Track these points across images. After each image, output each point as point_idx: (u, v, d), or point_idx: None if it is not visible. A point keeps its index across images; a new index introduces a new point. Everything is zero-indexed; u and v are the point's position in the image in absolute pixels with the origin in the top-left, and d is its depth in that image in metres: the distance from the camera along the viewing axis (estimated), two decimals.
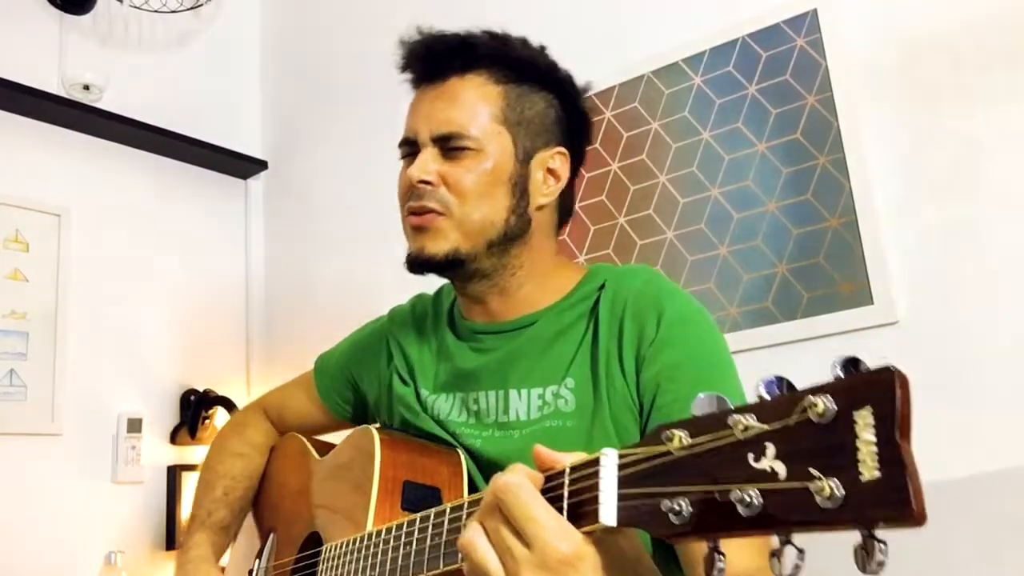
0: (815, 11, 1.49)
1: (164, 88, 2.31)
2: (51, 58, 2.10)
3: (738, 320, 1.51)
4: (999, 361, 1.27)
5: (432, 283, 1.28)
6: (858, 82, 1.44)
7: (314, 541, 1.12)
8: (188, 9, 2.28)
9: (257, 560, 1.23)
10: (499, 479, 0.63)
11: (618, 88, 1.74)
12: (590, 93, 1.12)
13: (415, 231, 1.01)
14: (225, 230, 2.42)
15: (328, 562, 1.02)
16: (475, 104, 1.00)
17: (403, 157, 1.05)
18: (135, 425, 2.05)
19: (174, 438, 2.14)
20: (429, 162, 0.99)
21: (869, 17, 1.46)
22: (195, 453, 2.15)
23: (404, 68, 1.07)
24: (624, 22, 1.78)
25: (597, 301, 1.01)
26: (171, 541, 2.05)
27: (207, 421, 2.13)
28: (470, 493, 1.01)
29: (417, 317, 1.19)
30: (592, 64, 1.80)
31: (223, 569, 1.30)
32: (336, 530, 1.05)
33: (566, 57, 1.94)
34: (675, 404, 0.93)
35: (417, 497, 0.97)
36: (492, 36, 1.04)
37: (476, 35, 1.04)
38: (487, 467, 1.03)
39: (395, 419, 1.13)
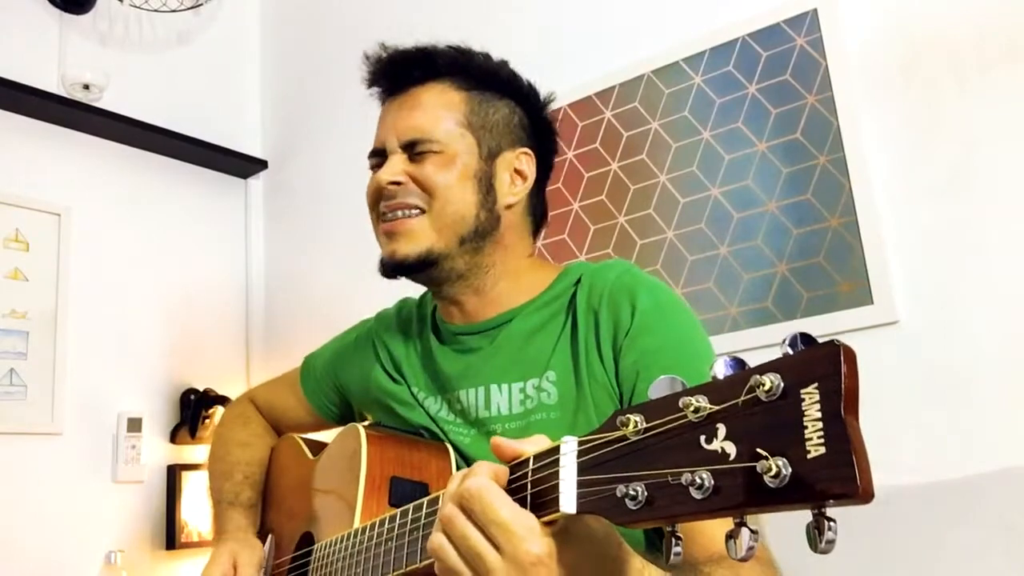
0: (815, 11, 1.49)
1: (164, 88, 2.31)
2: (51, 57, 2.10)
3: (738, 320, 1.51)
4: (999, 361, 1.27)
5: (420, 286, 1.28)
6: (858, 82, 1.44)
7: (307, 540, 1.13)
8: (188, 9, 2.28)
9: None
10: (463, 485, 0.63)
11: (618, 88, 1.74)
12: (553, 102, 1.15)
13: (388, 237, 1.03)
14: (225, 230, 2.42)
15: (318, 561, 1.03)
16: (438, 109, 1.04)
17: (372, 168, 1.08)
18: (135, 424, 2.05)
19: (174, 437, 2.14)
20: (398, 165, 1.02)
21: (869, 17, 1.46)
22: (195, 452, 2.15)
23: (371, 84, 1.11)
24: (624, 22, 1.78)
25: (574, 296, 1.03)
26: (171, 540, 2.05)
27: (207, 420, 2.13)
28: None
29: (403, 320, 1.20)
30: (592, 64, 1.81)
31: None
32: (327, 529, 1.06)
33: (566, 57, 1.95)
34: None
35: (405, 492, 0.97)
36: (453, 48, 1.08)
37: (437, 48, 1.08)
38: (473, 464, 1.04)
39: (387, 415, 1.14)
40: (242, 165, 2.43)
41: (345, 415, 1.30)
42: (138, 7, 2.21)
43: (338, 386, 1.28)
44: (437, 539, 0.65)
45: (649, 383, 0.92)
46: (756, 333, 1.48)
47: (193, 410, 2.13)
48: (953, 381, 1.30)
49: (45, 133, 2.06)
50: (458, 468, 1.03)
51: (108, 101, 2.13)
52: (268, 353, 2.36)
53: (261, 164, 2.48)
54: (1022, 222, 1.28)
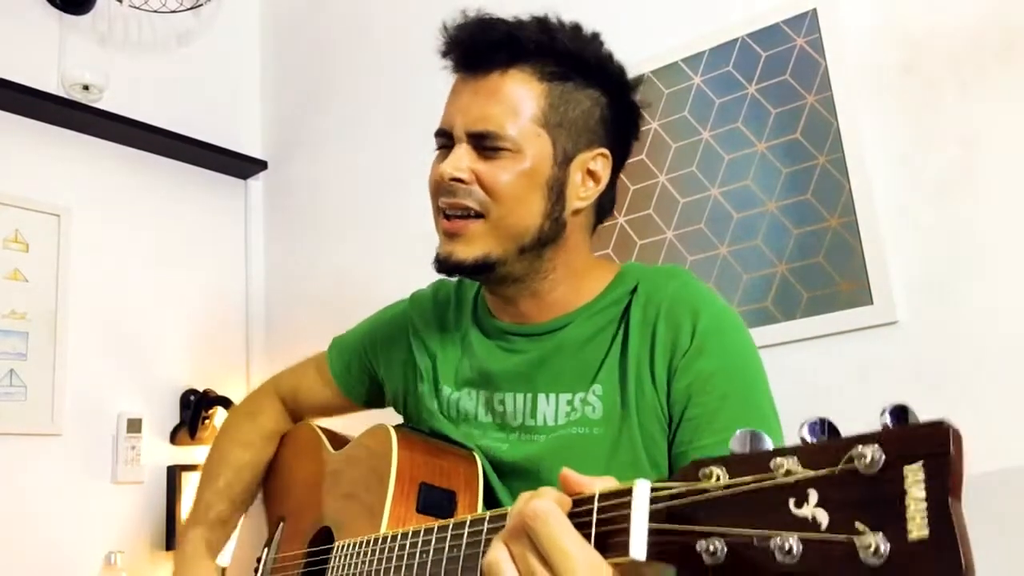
0: (815, 11, 1.49)
1: (164, 88, 2.31)
2: (51, 58, 2.10)
3: None
4: (999, 361, 1.27)
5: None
6: (858, 82, 1.44)
7: (324, 536, 1.11)
8: (188, 9, 2.28)
9: (266, 549, 1.22)
10: (528, 504, 0.61)
11: None
12: (642, 84, 1.07)
13: (447, 236, 0.98)
14: (225, 230, 2.42)
15: (339, 559, 1.01)
16: (515, 103, 0.95)
17: (438, 148, 1.01)
18: (135, 425, 2.05)
19: (174, 438, 2.14)
20: (463, 158, 0.95)
21: (869, 17, 1.46)
22: (195, 453, 2.15)
23: (446, 54, 1.01)
24: (623, 22, 1.78)
25: (629, 304, 0.98)
26: (171, 541, 2.05)
27: (207, 421, 2.13)
28: (485, 497, 1.00)
29: (439, 305, 1.16)
30: None
31: (223, 569, 1.28)
32: (349, 528, 1.04)
33: None
34: (704, 417, 0.91)
35: (433, 500, 0.96)
36: (541, 27, 0.98)
37: (523, 25, 0.98)
38: (510, 471, 1.01)
39: (413, 417, 1.12)
40: (242, 165, 2.43)
41: (374, 397, 1.26)
42: (138, 8, 2.21)
43: (369, 367, 1.23)
44: (494, 554, 0.62)
45: (699, 408, 0.91)
46: (756, 333, 1.46)
47: (193, 411, 2.12)
48: (953, 381, 1.30)
49: (45, 133, 2.06)
50: (486, 475, 1.01)
51: (108, 101, 2.13)
52: (268, 353, 2.36)
53: (261, 164, 2.48)
54: (1022, 222, 1.28)
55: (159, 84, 2.31)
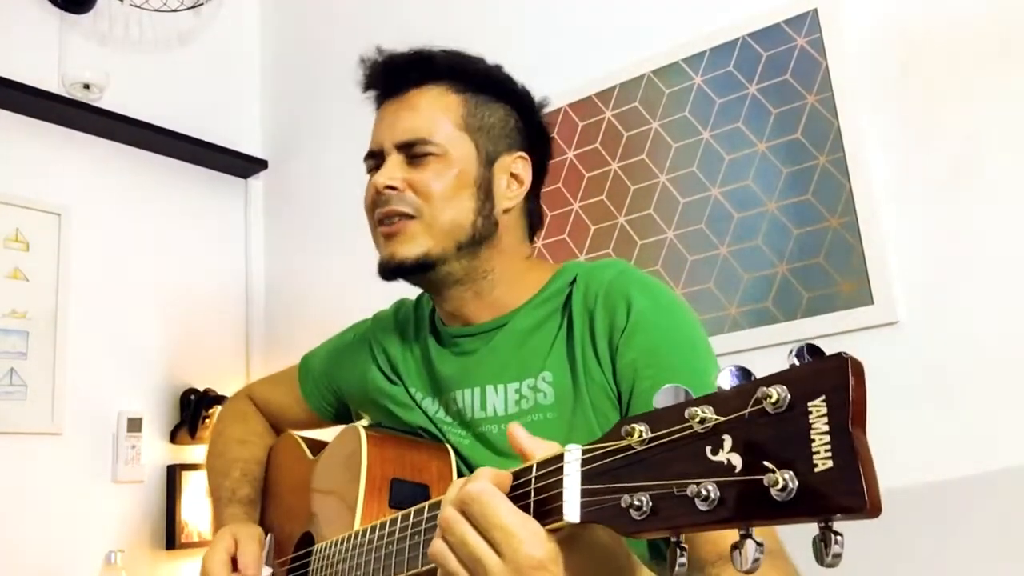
0: (815, 11, 1.49)
1: (164, 88, 2.31)
2: (51, 57, 2.10)
3: (738, 320, 1.51)
4: (999, 361, 1.27)
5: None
6: (858, 82, 1.44)
7: (307, 541, 1.13)
8: (188, 9, 2.28)
9: None
10: (463, 489, 0.63)
11: (618, 88, 1.74)
12: (547, 107, 1.15)
13: (386, 239, 1.03)
14: (225, 230, 2.42)
15: (318, 563, 1.03)
16: (436, 112, 1.04)
17: (369, 171, 1.08)
18: (135, 424, 2.05)
19: (174, 437, 2.14)
20: (394, 168, 1.02)
21: (869, 17, 1.46)
22: (195, 453, 2.15)
23: (366, 87, 1.10)
24: (624, 22, 1.78)
25: (569, 296, 1.02)
26: (171, 541, 2.05)
27: (207, 421, 2.13)
28: None
29: (400, 322, 1.21)
30: (592, 64, 1.81)
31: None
32: (326, 530, 1.06)
33: (566, 57, 1.95)
34: (654, 390, 0.94)
35: (405, 495, 0.98)
36: (449, 52, 1.08)
37: (434, 50, 1.07)
38: (475, 466, 1.03)
39: (385, 416, 1.14)
40: (242, 165, 2.43)
41: (342, 415, 1.30)
42: (138, 7, 2.21)
43: (334, 387, 1.28)
44: (437, 545, 0.65)
45: (648, 381, 0.93)
46: (756, 333, 1.48)
47: (193, 410, 2.13)
48: (953, 381, 1.30)
49: (45, 133, 2.06)
50: (458, 470, 1.03)
51: (108, 101, 2.13)
52: (268, 353, 2.36)
53: (261, 164, 2.48)
54: (1022, 221, 1.28)
55: (159, 83, 2.31)
